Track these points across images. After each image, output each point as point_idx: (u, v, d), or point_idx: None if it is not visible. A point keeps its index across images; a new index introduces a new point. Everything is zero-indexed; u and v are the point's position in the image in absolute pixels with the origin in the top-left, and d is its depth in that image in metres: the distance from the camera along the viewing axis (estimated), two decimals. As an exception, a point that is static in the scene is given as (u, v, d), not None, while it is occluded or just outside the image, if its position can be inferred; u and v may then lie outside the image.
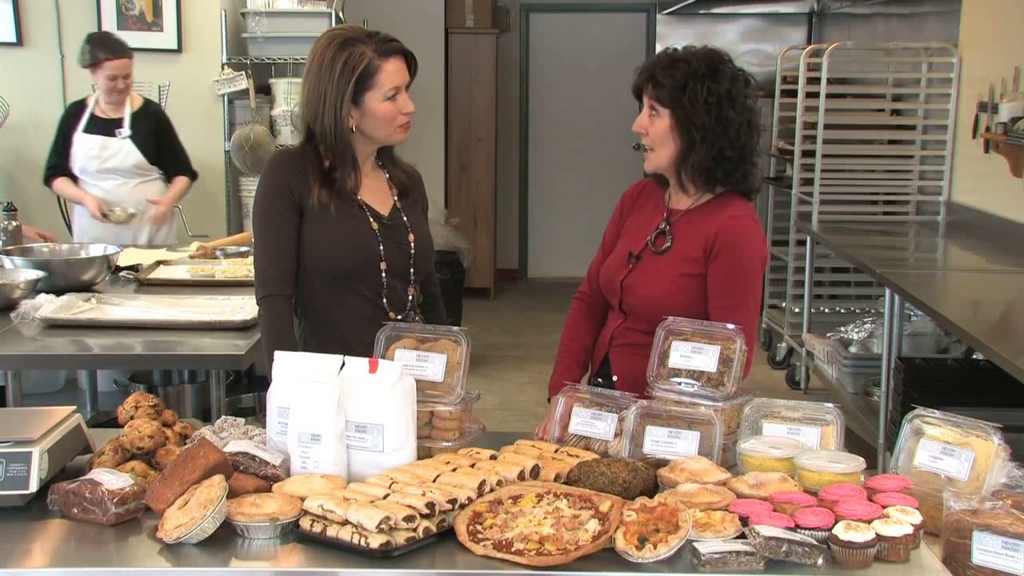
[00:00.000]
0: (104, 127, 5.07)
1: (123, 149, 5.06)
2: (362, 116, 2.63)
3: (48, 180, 5.17)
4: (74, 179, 5.12)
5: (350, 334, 2.62)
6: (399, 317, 2.69)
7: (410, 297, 2.76)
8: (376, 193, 2.75)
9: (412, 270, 2.75)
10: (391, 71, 2.61)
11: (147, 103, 5.21)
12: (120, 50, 4.97)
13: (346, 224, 2.66)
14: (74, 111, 5.16)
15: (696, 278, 2.59)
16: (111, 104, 5.06)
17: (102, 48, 4.95)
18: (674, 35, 9.01)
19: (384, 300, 2.70)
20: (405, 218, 2.76)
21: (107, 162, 5.08)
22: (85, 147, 5.07)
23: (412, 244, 2.74)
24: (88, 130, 5.07)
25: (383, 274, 2.69)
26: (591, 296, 2.82)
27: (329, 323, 2.69)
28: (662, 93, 2.56)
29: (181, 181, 5.21)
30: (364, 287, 2.69)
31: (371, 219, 2.69)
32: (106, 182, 5.11)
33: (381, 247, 2.68)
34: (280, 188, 2.65)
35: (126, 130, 5.05)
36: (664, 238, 2.66)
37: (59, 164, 5.12)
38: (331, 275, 2.67)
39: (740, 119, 2.57)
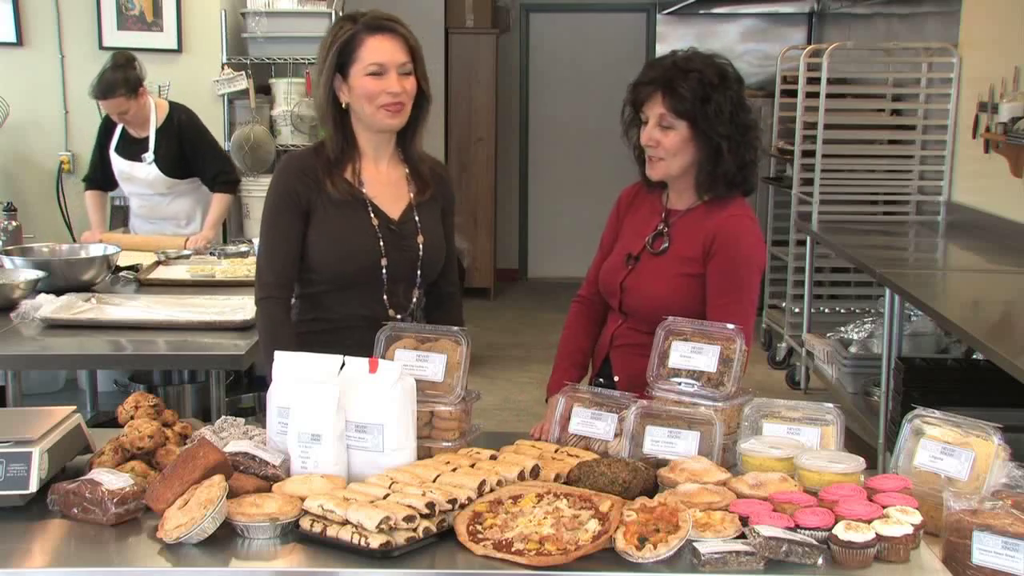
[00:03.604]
0: (132, 149, 4.99)
1: (148, 173, 4.99)
2: (350, 92, 2.61)
3: (85, 188, 5.23)
4: (107, 188, 5.19)
5: (348, 333, 2.61)
6: (399, 317, 2.66)
7: (414, 299, 2.73)
8: (389, 189, 2.70)
9: (419, 273, 2.70)
10: (373, 47, 2.58)
11: (171, 114, 5.03)
12: (107, 90, 4.78)
13: (348, 228, 2.63)
14: (106, 125, 5.07)
15: (695, 277, 2.59)
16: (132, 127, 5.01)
17: (97, 86, 4.81)
18: (674, 35, 9.01)
19: (385, 299, 2.67)
20: (417, 218, 2.70)
21: (136, 185, 5.06)
22: (116, 168, 5.05)
23: (421, 246, 2.69)
24: (118, 149, 5.01)
25: (384, 276, 2.66)
26: (590, 299, 2.82)
27: (329, 321, 2.68)
28: (681, 105, 2.53)
29: (219, 200, 5.05)
30: (365, 289, 2.66)
31: (374, 218, 2.65)
32: (142, 198, 5.12)
33: (382, 247, 2.64)
34: (286, 194, 2.63)
35: (150, 154, 4.95)
36: (662, 239, 2.66)
37: (94, 177, 5.17)
38: (332, 276, 2.66)
39: (751, 121, 2.59)
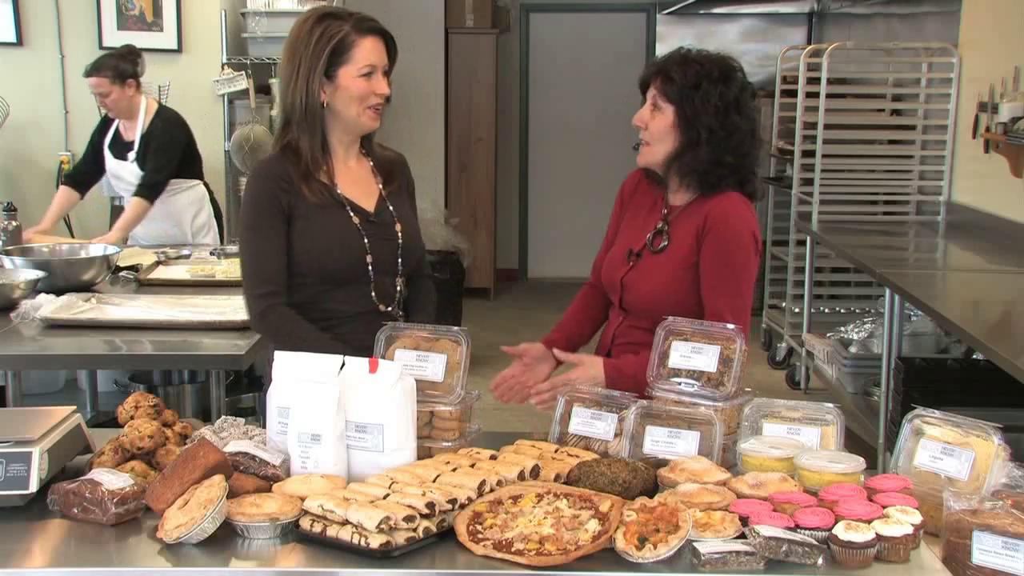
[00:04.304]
0: (121, 149, 5.06)
1: (133, 172, 5.03)
2: (334, 91, 2.59)
3: (62, 183, 5.30)
4: (83, 188, 5.20)
5: (338, 329, 2.63)
6: (388, 309, 2.69)
7: (397, 290, 2.74)
8: (361, 185, 2.72)
9: (400, 261, 2.72)
10: (367, 48, 2.59)
11: (156, 117, 5.06)
12: (94, 68, 4.90)
13: (330, 227, 2.63)
14: (102, 125, 5.17)
15: (693, 268, 2.60)
16: (121, 122, 5.06)
17: (90, 63, 4.96)
18: (674, 35, 9.01)
19: (373, 294, 2.68)
20: (392, 207, 2.73)
21: (124, 183, 5.10)
22: (108, 166, 5.12)
23: (400, 234, 2.72)
24: (111, 148, 5.09)
25: (370, 269, 2.67)
26: (597, 287, 2.85)
27: (318, 322, 2.66)
28: (671, 89, 2.57)
29: (131, 204, 4.94)
30: (351, 285, 2.67)
31: (354, 216, 2.66)
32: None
33: (367, 244, 2.66)
34: (267, 200, 2.61)
35: (133, 155, 5.01)
36: (661, 237, 2.67)
37: (73, 173, 5.27)
38: (319, 275, 2.65)
39: (745, 127, 2.59)
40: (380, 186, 2.75)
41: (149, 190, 4.98)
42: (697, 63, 2.58)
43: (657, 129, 2.60)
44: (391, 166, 2.80)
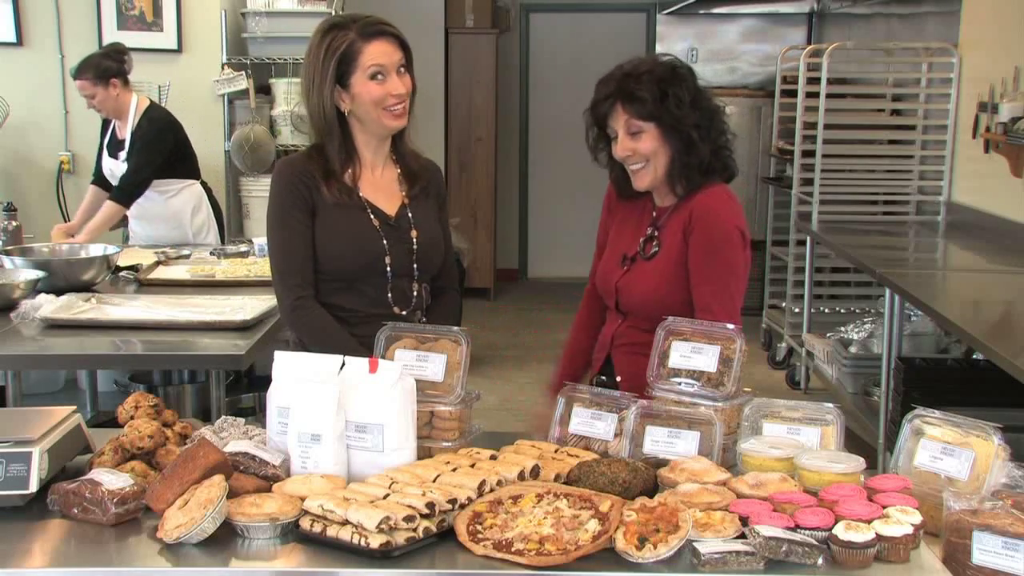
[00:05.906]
0: (115, 148, 5.06)
1: (124, 170, 5.02)
2: (353, 100, 2.63)
3: (91, 183, 5.28)
4: (107, 187, 5.09)
5: (353, 329, 2.64)
6: (403, 312, 2.71)
7: (415, 294, 2.76)
8: (384, 189, 2.74)
9: (415, 267, 2.74)
10: (373, 52, 2.61)
11: (143, 117, 4.99)
12: (77, 70, 4.89)
13: (350, 226, 2.66)
14: (103, 125, 5.17)
15: (686, 266, 2.60)
16: (115, 121, 5.05)
17: (75, 65, 4.95)
18: (674, 35, 9.01)
19: (389, 296, 2.70)
20: (411, 215, 2.75)
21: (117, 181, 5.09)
22: (104, 165, 5.12)
23: (415, 240, 2.73)
24: (108, 147, 5.09)
25: (388, 272, 2.69)
26: (594, 293, 2.86)
27: (336, 319, 2.68)
28: (641, 108, 2.56)
29: (105, 207, 4.88)
30: (368, 285, 2.69)
31: (374, 218, 2.69)
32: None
33: (385, 245, 2.68)
34: (292, 193, 2.65)
35: (124, 154, 5.00)
36: (652, 243, 2.68)
37: (96, 172, 5.23)
38: (336, 274, 2.68)
39: (715, 106, 2.63)
40: (404, 194, 2.76)
41: (123, 193, 4.90)
42: (646, 73, 2.57)
43: (647, 149, 2.59)
44: (421, 174, 2.80)
